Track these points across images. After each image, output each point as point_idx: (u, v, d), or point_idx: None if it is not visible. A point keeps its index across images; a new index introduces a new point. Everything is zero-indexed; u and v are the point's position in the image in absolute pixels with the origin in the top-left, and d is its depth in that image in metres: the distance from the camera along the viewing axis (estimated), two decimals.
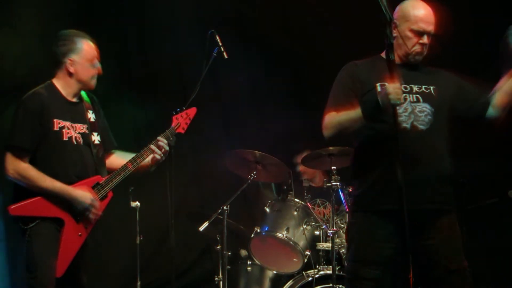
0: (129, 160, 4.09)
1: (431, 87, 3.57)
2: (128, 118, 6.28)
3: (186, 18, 6.44)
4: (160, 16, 6.43)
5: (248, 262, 5.61)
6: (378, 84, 3.22)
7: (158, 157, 4.11)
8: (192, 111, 4.33)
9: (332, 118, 3.50)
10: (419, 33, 3.52)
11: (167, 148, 4.13)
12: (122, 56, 6.46)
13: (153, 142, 4.14)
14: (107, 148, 4.24)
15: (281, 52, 6.56)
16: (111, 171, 4.11)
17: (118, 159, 4.22)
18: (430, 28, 3.54)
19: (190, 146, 6.36)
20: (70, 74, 4.01)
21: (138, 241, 5.46)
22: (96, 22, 6.08)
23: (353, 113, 3.38)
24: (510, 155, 5.85)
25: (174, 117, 4.27)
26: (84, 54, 4.02)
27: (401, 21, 3.55)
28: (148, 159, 4.15)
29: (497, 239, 5.82)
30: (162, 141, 4.12)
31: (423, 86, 3.57)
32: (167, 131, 4.20)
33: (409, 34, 3.52)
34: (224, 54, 4.56)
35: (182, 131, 4.27)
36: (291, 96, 6.63)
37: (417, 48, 3.54)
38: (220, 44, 4.56)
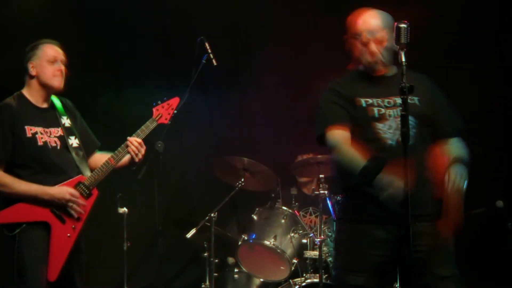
0: (111, 156, 4.08)
1: (413, 98, 3.49)
2: (117, 122, 6.27)
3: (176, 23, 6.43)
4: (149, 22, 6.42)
5: (235, 270, 5.61)
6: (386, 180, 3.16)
7: (132, 153, 4.08)
8: (175, 101, 4.28)
9: (342, 146, 3.41)
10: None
11: (140, 140, 4.10)
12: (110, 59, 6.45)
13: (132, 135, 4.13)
14: (89, 149, 4.23)
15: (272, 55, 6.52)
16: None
17: (102, 157, 4.17)
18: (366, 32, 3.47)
19: (178, 153, 6.34)
20: (33, 78, 4.04)
21: (125, 248, 5.45)
22: (91, 23, 6.10)
23: (357, 164, 3.29)
24: (498, 165, 5.87)
25: (154, 109, 4.23)
26: (43, 55, 4.04)
27: (350, 34, 3.54)
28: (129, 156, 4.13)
29: (485, 248, 5.83)
30: (136, 139, 4.09)
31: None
32: (147, 122, 4.17)
33: (358, 45, 3.49)
34: (214, 61, 4.56)
35: (166, 121, 4.23)
36: (281, 101, 6.61)
37: (367, 57, 3.50)
38: (209, 51, 4.57)
